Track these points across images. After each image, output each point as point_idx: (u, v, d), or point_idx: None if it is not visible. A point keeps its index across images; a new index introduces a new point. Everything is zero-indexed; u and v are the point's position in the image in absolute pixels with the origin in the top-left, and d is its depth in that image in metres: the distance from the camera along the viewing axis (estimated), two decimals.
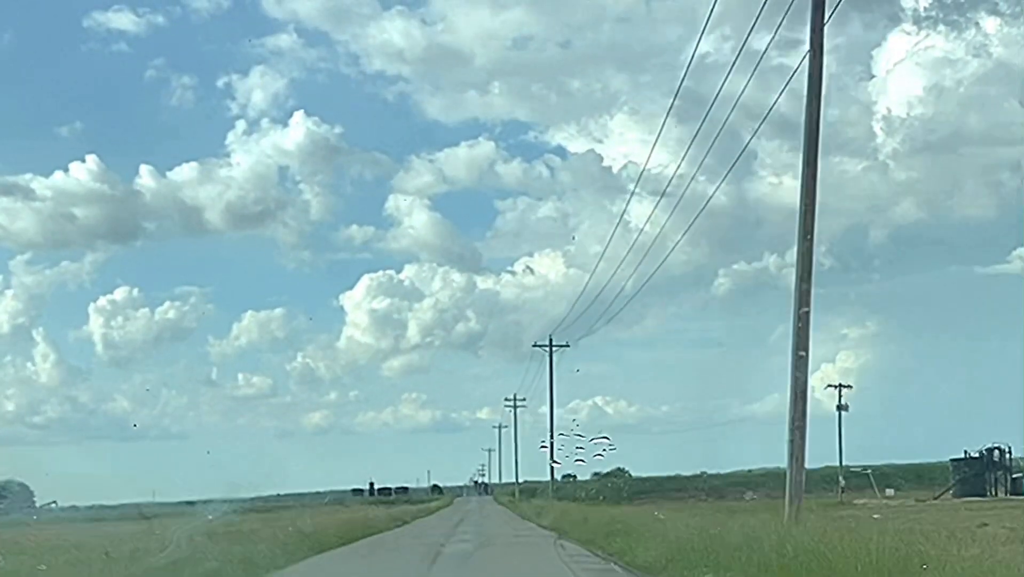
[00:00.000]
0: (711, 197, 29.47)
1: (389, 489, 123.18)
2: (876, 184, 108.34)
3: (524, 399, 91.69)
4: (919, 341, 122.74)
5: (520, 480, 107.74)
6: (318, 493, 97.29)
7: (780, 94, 22.41)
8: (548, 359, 70.38)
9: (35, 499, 57.51)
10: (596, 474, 72.65)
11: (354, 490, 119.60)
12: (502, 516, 60.80)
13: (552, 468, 66.52)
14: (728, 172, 27.36)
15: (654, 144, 34.68)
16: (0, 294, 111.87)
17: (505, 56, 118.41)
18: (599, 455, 36.65)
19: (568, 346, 72.31)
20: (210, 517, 26.53)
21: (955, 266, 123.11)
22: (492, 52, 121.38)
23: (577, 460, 34.25)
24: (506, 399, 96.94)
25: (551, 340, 73.78)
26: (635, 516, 30.97)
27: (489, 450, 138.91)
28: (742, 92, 23.89)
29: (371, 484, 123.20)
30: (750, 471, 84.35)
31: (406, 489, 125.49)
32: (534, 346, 75.39)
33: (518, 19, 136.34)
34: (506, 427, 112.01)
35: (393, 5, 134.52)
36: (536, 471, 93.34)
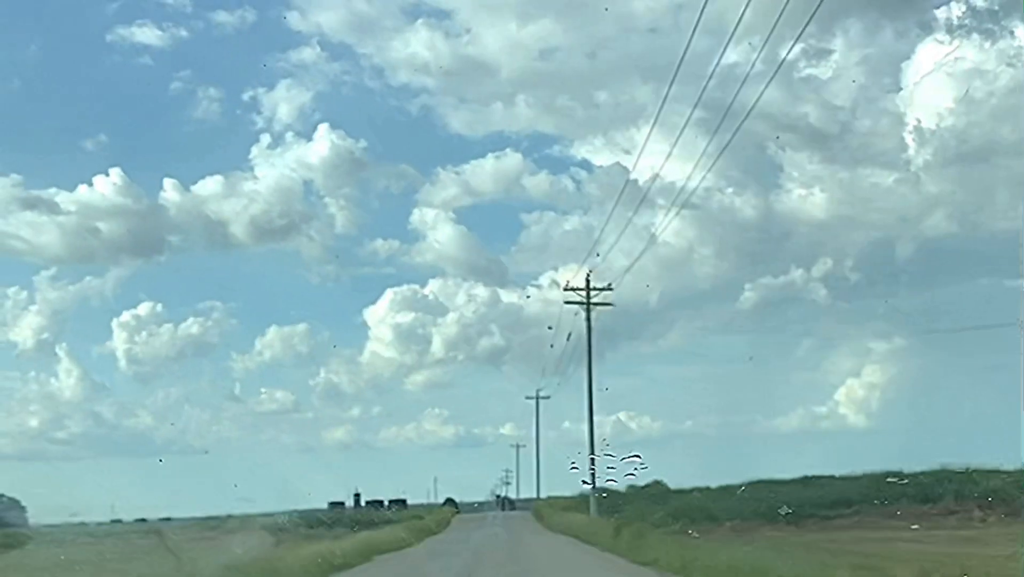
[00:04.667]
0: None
1: (380, 502, 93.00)
2: (907, 196, 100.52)
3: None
4: (945, 355, 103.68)
5: (544, 495, 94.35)
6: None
7: None
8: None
9: (27, 515, 57.88)
10: (631, 488, 59.29)
11: (332, 504, 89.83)
12: None
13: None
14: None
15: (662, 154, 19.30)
16: (24, 309, 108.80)
17: (531, 68, 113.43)
18: (630, 474, 31.56)
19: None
20: None
21: (985, 279, 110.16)
22: (518, 64, 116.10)
23: (608, 478, 26.88)
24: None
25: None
26: None
27: (517, 446, 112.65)
28: None
29: (356, 496, 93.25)
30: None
31: (404, 502, 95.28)
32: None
33: (545, 30, 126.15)
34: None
35: (418, 17, 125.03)
36: (556, 486, 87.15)
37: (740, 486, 45.94)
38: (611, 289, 55.16)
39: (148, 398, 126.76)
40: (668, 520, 40.75)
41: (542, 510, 75.12)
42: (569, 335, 60.03)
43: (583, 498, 69.59)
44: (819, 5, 18.80)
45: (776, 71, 24.73)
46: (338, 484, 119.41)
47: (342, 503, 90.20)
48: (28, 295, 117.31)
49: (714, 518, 41.37)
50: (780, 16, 21.51)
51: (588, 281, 55.98)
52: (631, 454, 44.24)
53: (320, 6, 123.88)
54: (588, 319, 55.15)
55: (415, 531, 54.05)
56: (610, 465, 47.41)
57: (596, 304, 56.37)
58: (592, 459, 54.20)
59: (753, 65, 26.00)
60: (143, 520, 79.09)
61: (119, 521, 68.55)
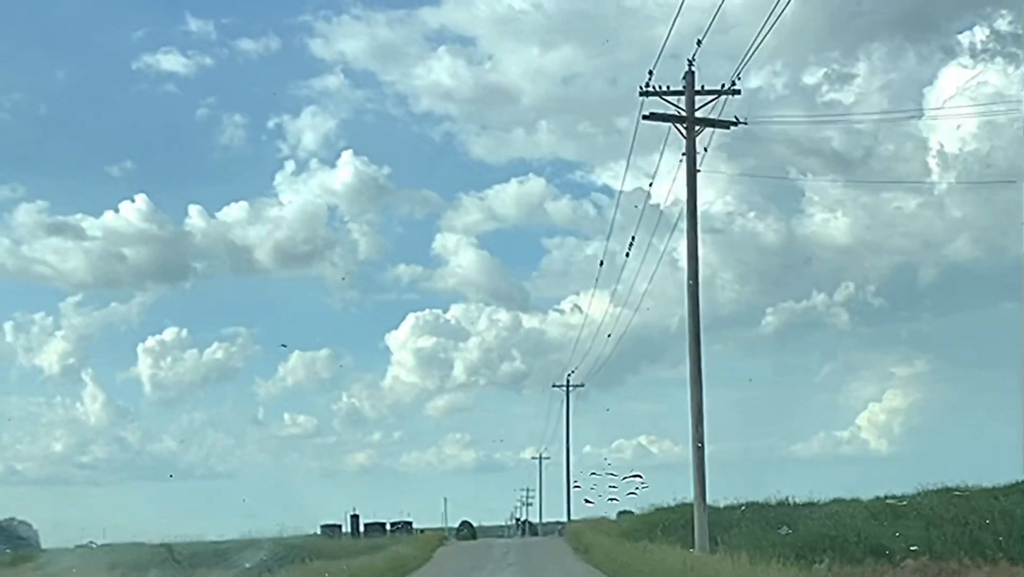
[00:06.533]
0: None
1: (382, 525, 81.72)
2: (930, 220, 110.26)
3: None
4: (969, 379, 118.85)
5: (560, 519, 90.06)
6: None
7: None
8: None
9: (39, 539, 60.46)
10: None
11: (325, 527, 78.36)
12: None
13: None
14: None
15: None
16: (50, 335, 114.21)
17: (553, 94, 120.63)
18: (632, 493, 39.92)
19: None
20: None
21: (1009, 303, 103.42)
22: (540, 90, 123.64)
23: (611, 499, 32.93)
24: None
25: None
26: None
27: (540, 457, 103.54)
28: None
29: (354, 517, 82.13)
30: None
31: (409, 525, 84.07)
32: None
33: (566, 57, 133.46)
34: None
35: (441, 44, 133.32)
36: (578, 510, 77.08)
37: (905, 498, 33.35)
38: (736, 92, 31.40)
39: (172, 423, 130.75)
40: (808, 553, 28.79)
41: (584, 535, 53.27)
42: (633, 240, 37.73)
43: (627, 521, 56.14)
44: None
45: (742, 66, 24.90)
46: (353, 508, 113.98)
47: (338, 526, 79.01)
48: (54, 321, 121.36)
49: (879, 550, 29.26)
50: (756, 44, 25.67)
51: (692, 75, 31.43)
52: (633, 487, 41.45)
53: (344, 34, 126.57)
54: (691, 147, 31.44)
55: None
56: (612, 497, 43.72)
57: (704, 121, 31.83)
58: (700, 450, 31.34)
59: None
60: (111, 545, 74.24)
61: (91, 544, 65.41)
